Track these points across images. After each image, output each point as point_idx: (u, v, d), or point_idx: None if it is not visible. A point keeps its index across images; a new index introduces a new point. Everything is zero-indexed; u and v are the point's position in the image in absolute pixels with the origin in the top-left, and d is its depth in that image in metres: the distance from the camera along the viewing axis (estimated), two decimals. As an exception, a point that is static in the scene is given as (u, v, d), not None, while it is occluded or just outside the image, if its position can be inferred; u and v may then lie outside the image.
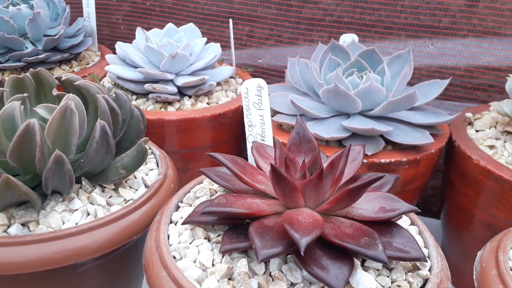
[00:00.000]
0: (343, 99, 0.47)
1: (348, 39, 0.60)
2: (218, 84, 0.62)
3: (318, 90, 0.50)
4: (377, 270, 0.30)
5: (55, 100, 0.42)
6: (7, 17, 0.61)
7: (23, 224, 0.33)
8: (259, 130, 0.41)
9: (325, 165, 0.31)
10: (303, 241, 0.25)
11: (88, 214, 0.35)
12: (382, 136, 0.48)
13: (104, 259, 0.36)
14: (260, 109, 0.41)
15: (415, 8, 0.65)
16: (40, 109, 0.37)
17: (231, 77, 0.64)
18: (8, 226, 0.33)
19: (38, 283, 0.34)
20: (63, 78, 0.40)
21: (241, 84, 0.64)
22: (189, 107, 0.56)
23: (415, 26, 0.66)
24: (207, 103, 0.57)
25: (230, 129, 0.58)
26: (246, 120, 0.41)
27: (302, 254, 0.25)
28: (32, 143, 0.32)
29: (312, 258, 0.28)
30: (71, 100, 0.36)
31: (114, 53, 0.75)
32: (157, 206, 0.38)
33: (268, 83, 0.72)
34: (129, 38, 0.85)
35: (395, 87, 0.48)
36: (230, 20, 0.64)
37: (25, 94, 0.39)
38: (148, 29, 0.83)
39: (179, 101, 0.56)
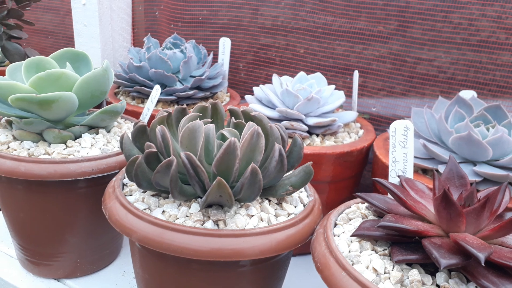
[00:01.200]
0: (475, 147, 0.51)
1: (467, 95, 0.65)
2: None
3: (446, 138, 0.55)
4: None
5: (223, 125, 0.51)
6: (166, 58, 0.74)
7: (214, 222, 0.40)
8: (401, 166, 0.47)
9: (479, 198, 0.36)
10: (482, 255, 0.30)
11: (262, 221, 0.42)
12: (510, 183, 0.51)
13: (261, 264, 0.42)
14: (405, 147, 0.46)
15: (532, 71, 0.69)
16: (225, 131, 0.46)
17: (351, 121, 0.71)
18: (203, 222, 0.40)
19: (203, 273, 0.41)
20: (241, 109, 0.48)
21: (360, 127, 0.71)
22: (318, 144, 0.62)
23: (531, 87, 0.69)
24: (334, 142, 0.64)
25: (352, 167, 0.63)
26: (390, 157, 0.47)
27: (483, 264, 0.29)
28: (231, 156, 0.40)
29: (480, 274, 0.32)
30: (253, 126, 0.44)
31: (241, 96, 0.86)
32: (313, 222, 0.43)
33: (381, 130, 0.78)
34: (247, 83, 0.96)
35: (524, 140, 0.52)
36: (356, 71, 0.71)
37: (210, 119, 0.48)
38: (266, 76, 0.93)
39: (309, 138, 0.64)
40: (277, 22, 0.88)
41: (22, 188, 0.53)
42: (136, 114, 0.71)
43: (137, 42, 1.05)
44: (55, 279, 0.59)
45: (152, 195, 0.44)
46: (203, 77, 0.75)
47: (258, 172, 0.39)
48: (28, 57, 0.77)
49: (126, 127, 0.63)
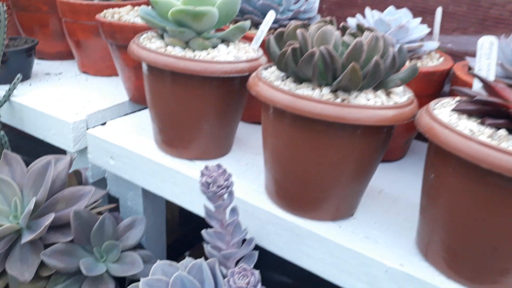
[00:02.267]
0: (548, 63, 0.61)
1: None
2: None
3: (522, 59, 0.65)
4: None
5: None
6: (271, -8, 0.86)
7: (341, 100, 0.54)
8: (484, 74, 0.58)
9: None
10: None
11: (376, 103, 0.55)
12: None
13: (370, 137, 0.56)
14: (489, 58, 0.58)
15: None
16: (345, 37, 0.58)
17: (433, 50, 0.82)
18: (334, 99, 0.54)
19: (327, 136, 0.54)
20: (356, 23, 0.61)
21: (439, 57, 0.82)
22: (407, 65, 0.74)
23: None
24: (421, 64, 0.75)
25: (434, 86, 0.75)
26: (476, 66, 0.58)
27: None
28: (359, 51, 0.53)
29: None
30: (371, 33, 0.56)
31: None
32: (414, 109, 0.56)
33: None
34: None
35: None
36: (439, 8, 0.82)
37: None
38: (346, 16, 1.04)
39: (396, 61, 0.75)
40: (363, -34, 0.98)
41: (169, 80, 0.69)
42: (245, 38, 0.85)
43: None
44: (188, 159, 0.76)
45: (292, 82, 0.58)
46: (301, 9, 0.87)
47: (380, 63, 0.52)
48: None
49: (242, 45, 0.77)
